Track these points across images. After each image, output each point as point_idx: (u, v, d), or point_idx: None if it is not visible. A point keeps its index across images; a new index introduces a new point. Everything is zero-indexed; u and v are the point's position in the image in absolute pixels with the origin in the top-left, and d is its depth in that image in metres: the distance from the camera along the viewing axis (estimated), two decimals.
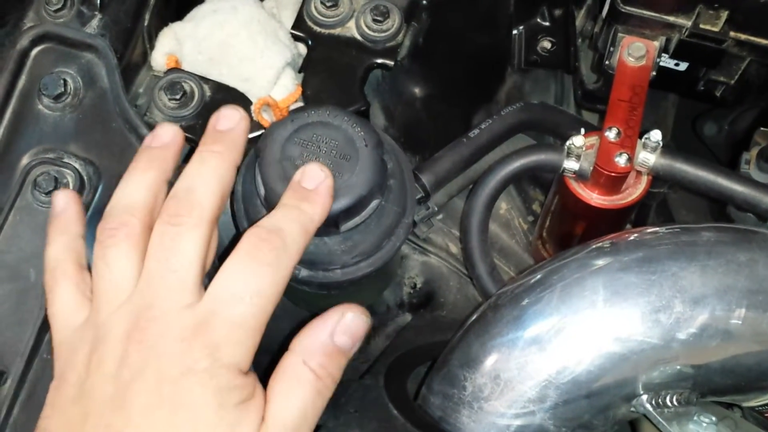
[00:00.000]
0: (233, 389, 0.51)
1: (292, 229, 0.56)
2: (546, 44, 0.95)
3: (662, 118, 1.13)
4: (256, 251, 0.54)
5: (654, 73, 0.81)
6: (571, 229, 0.85)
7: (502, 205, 0.98)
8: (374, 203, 0.65)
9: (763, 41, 0.81)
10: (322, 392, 0.54)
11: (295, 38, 0.84)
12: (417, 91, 0.94)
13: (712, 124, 1.15)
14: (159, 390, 0.51)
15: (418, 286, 0.93)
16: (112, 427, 0.51)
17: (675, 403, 0.67)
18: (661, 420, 0.67)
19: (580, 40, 0.95)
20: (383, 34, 0.82)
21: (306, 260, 0.66)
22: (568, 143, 0.77)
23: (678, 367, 0.67)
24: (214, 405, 0.50)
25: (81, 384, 0.53)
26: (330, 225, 0.63)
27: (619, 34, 0.83)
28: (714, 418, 0.68)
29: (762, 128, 0.89)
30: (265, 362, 0.90)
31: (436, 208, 0.84)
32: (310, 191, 0.58)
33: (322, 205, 0.58)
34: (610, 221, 0.81)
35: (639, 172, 0.78)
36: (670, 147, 0.79)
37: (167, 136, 0.63)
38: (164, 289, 0.54)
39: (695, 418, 0.68)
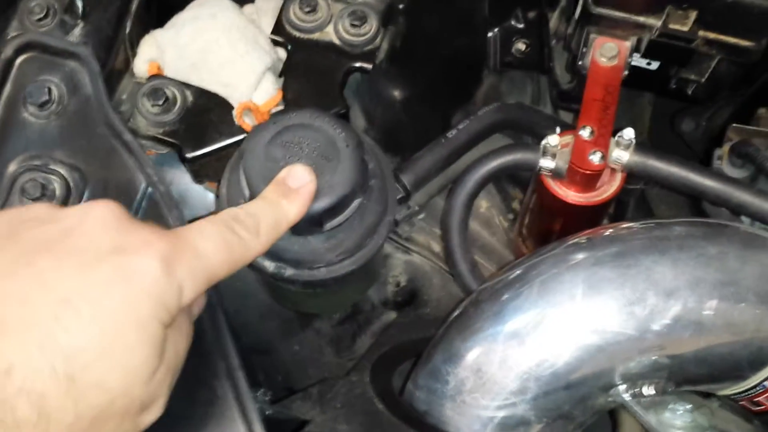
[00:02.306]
0: (168, 311, 0.48)
1: (267, 220, 0.57)
2: (521, 46, 0.96)
3: (639, 115, 1.15)
4: (231, 222, 0.54)
5: (626, 72, 0.83)
6: (549, 226, 0.87)
7: (483, 204, 1.00)
8: (356, 202, 0.66)
9: (732, 39, 0.83)
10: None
11: (275, 43, 0.85)
12: (396, 93, 0.95)
13: (689, 120, 1.16)
14: (105, 256, 0.47)
15: (402, 284, 0.95)
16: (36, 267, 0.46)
17: (651, 392, 0.69)
18: (638, 409, 0.69)
19: (554, 42, 0.96)
20: (361, 38, 0.84)
21: (291, 259, 0.68)
22: (543, 142, 0.78)
23: (653, 357, 0.68)
24: (150, 306, 0.47)
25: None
26: (314, 224, 0.64)
27: (591, 35, 0.84)
28: (689, 406, 0.70)
29: (735, 124, 0.91)
30: (255, 362, 0.92)
31: (417, 208, 0.86)
32: (292, 190, 0.60)
33: (300, 206, 0.60)
34: (587, 217, 0.83)
35: (613, 170, 0.80)
36: (644, 144, 0.80)
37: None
38: None
39: (671, 406, 0.70)
